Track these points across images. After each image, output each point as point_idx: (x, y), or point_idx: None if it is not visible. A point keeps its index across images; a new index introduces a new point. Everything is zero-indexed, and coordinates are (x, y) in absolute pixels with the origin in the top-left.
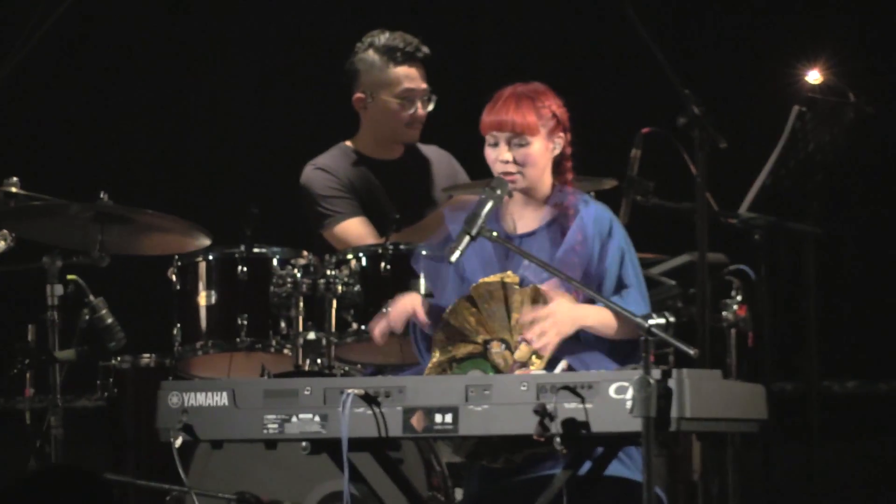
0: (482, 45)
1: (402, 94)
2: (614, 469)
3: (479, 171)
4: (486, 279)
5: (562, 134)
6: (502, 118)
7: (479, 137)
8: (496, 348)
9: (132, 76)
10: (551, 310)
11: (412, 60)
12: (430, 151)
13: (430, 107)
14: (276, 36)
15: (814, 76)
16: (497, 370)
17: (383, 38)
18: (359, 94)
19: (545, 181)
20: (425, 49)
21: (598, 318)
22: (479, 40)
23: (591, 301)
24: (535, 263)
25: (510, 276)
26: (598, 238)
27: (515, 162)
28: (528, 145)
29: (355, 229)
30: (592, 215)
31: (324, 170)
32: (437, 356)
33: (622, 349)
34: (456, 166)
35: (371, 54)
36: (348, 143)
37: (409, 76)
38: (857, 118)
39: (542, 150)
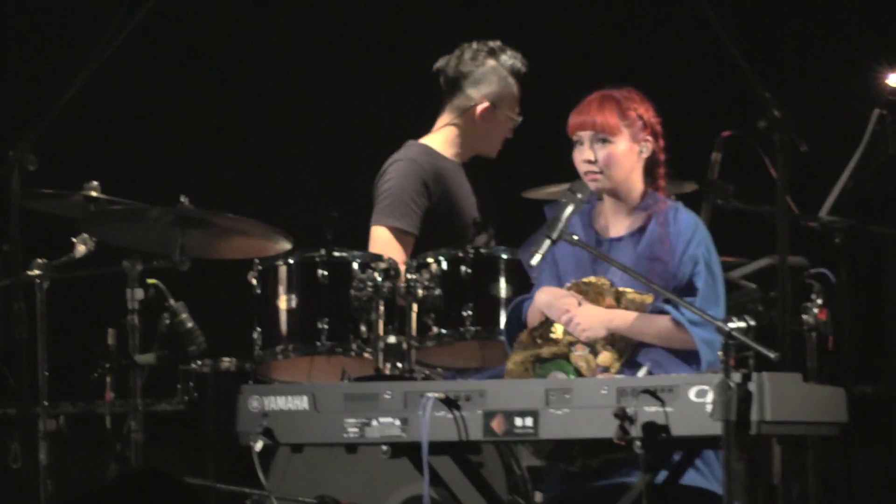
0: (558, 50)
1: (517, 114)
2: (691, 478)
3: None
4: (579, 281)
5: (650, 138)
6: (584, 118)
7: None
8: (580, 351)
9: (214, 79)
10: (575, 312)
11: (523, 80)
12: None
13: None
14: (358, 37)
15: (894, 79)
16: (579, 373)
17: (508, 52)
18: (486, 104)
19: (633, 185)
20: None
21: (635, 324)
22: (557, 46)
23: (667, 302)
24: (615, 267)
25: (600, 279)
26: (682, 243)
27: (598, 161)
28: (611, 145)
29: (380, 237)
30: (681, 221)
31: (410, 160)
32: (520, 352)
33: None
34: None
35: (499, 67)
36: (422, 141)
37: (519, 98)
38: None
39: (627, 151)
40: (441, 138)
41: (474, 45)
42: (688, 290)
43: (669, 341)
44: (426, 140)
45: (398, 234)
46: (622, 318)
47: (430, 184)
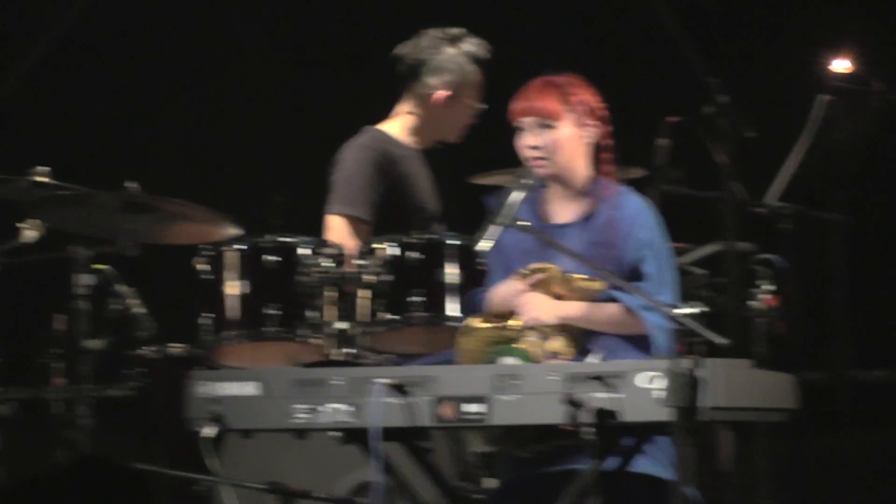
0: (503, 37)
1: (478, 101)
2: (643, 466)
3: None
4: (526, 268)
5: (594, 122)
6: (526, 104)
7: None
8: (531, 337)
9: (159, 65)
10: (529, 297)
11: (484, 66)
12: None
13: None
14: (303, 22)
15: (840, 65)
16: (530, 359)
17: (468, 40)
18: (444, 92)
19: (578, 170)
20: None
21: (585, 313)
22: (501, 32)
23: (618, 290)
24: (565, 254)
25: (549, 266)
26: (632, 228)
27: (542, 147)
28: (554, 130)
29: (335, 226)
30: (630, 205)
31: (364, 147)
32: (467, 336)
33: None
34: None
35: (459, 55)
36: (379, 128)
37: (483, 85)
38: (882, 106)
39: (571, 136)
40: (399, 125)
41: (434, 32)
42: (635, 274)
43: (622, 327)
44: (383, 126)
45: (352, 221)
46: (572, 308)
47: (384, 170)
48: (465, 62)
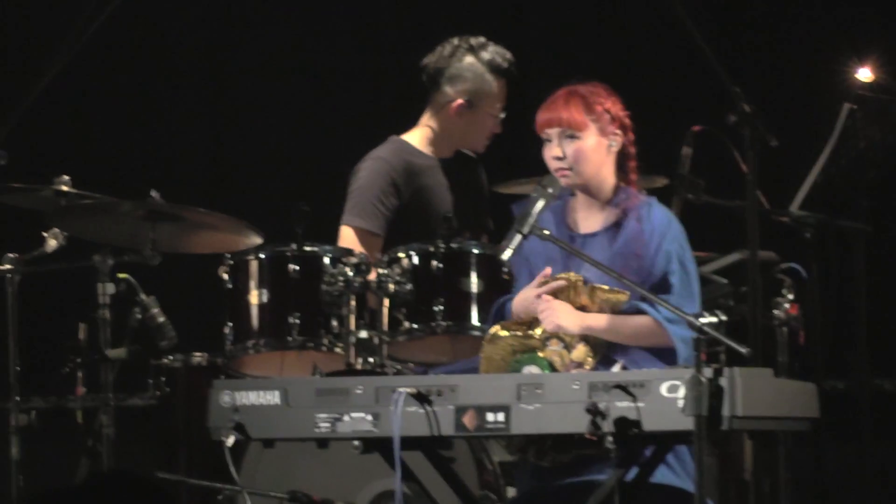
0: (528, 46)
1: (499, 109)
2: (663, 476)
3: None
4: (550, 277)
5: (618, 131)
6: (551, 115)
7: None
8: (554, 346)
9: (183, 73)
10: (554, 305)
11: (507, 76)
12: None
13: None
14: (330, 32)
15: (864, 74)
16: (553, 368)
17: (489, 49)
18: (460, 101)
19: (604, 180)
20: (515, 68)
21: (610, 324)
22: (525, 40)
23: (643, 300)
24: (589, 263)
25: (573, 275)
26: (657, 240)
27: (567, 158)
28: (579, 140)
29: (346, 236)
30: (655, 218)
31: (382, 159)
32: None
33: (673, 351)
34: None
35: (476, 63)
36: (403, 137)
37: (504, 92)
38: None
39: (595, 146)
40: (420, 135)
41: (455, 41)
42: (662, 286)
43: (647, 340)
44: (407, 136)
45: (363, 234)
46: (597, 320)
47: (401, 182)
48: (483, 71)
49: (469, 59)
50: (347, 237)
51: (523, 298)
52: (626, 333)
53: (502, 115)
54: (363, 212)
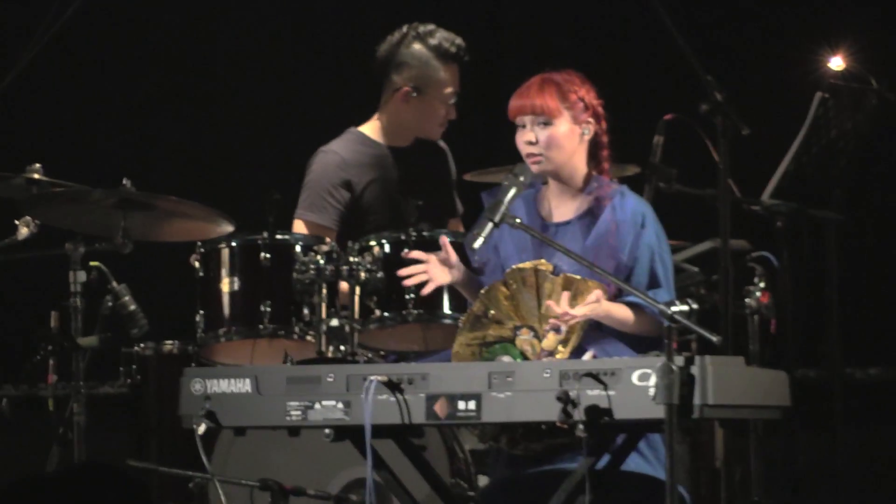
0: (502, 34)
1: (447, 95)
2: (635, 464)
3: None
4: (521, 265)
5: (591, 119)
6: (524, 101)
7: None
8: (524, 335)
9: (154, 61)
10: (597, 297)
11: (457, 61)
12: (443, 144)
13: None
14: (300, 19)
15: (836, 63)
16: (525, 357)
17: (436, 35)
18: (405, 88)
19: (576, 168)
20: (466, 52)
21: (621, 316)
22: (500, 27)
23: (620, 291)
24: (562, 252)
25: (543, 264)
26: (632, 230)
27: (539, 143)
28: (552, 127)
29: (298, 230)
30: (628, 207)
31: (333, 152)
32: (465, 334)
33: (645, 339)
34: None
35: (422, 50)
36: (359, 129)
37: (455, 77)
38: (879, 105)
39: (568, 133)
40: (374, 125)
41: (404, 28)
42: (651, 281)
43: (635, 326)
44: (363, 127)
45: (315, 227)
46: (617, 311)
47: (353, 174)
48: (429, 57)
49: (416, 46)
50: (300, 230)
51: None
52: (631, 320)
53: (452, 101)
54: (314, 205)
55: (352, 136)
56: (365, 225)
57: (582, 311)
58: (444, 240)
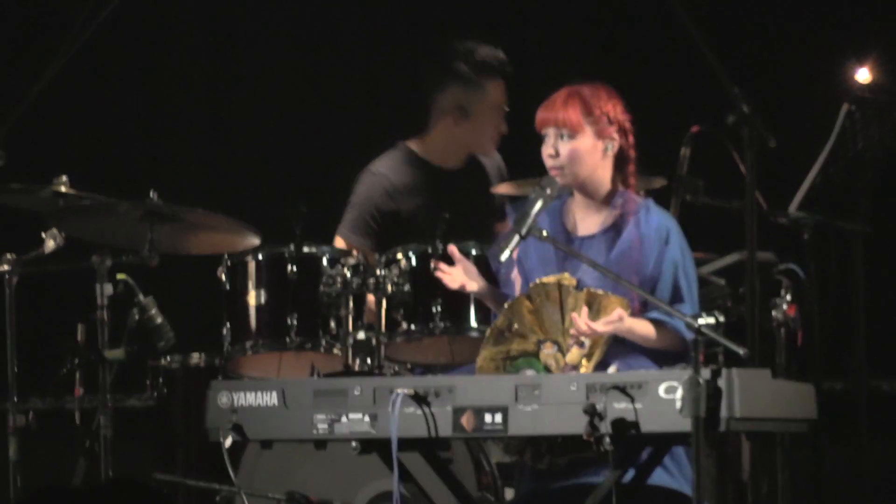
0: (529, 46)
1: (498, 110)
2: (660, 478)
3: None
4: (545, 279)
5: (616, 135)
6: (548, 114)
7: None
8: (548, 349)
9: (181, 74)
10: (621, 313)
11: (502, 75)
12: (489, 159)
13: None
14: (327, 34)
15: (863, 74)
16: (549, 371)
17: (478, 52)
18: (454, 110)
19: (599, 182)
20: (509, 65)
21: (644, 331)
22: (527, 40)
23: (645, 304)
24: (587, 265)
25: (567, 279)
26: (657, 245)
27: (560, 157)
28: (574, 141)
29: (339, 246)
30: (653, 222)
31: (381, 175)
32: (489, 348)
33: (668, 354)
34: (502, 166)
35: (467, 68)
36: (411, 145)
37: (500, 92)
38: None
39: (590, 148)
40: (426, 144)
41: (446, 49)
42: (675, 296)
43: (659, 342)
44: (414, 144)
45: (358, 248)
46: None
47: (400, 201)
48: (474, 76)
49: (459, 65)
50: (340, 247)
51: None
52: (641, 334)
53: (502, 116)
54: (357, 227)
55: (401, 153)
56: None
57: (604, 327)
58: (452, 249)
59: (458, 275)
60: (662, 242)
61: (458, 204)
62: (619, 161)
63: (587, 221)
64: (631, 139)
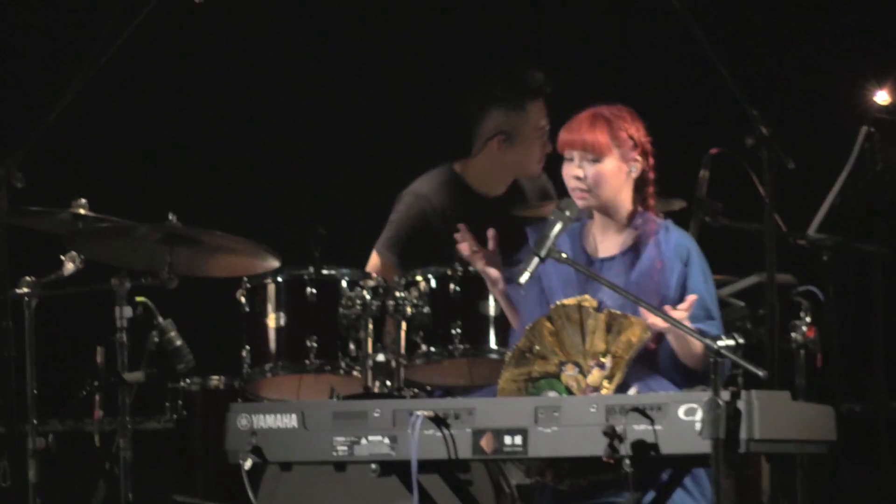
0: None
1: (541, 132)
2: (681, 500)
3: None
4: (565, 301)
5: (639, 157)
6: (575, 136)
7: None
8: (569, 371)
9: (201, 97)
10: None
11: (542, 95)
12: (528, 182)
13: None
14: (348, 57)
15: (882, 97)
16: (570, 393)
17: (517, 75)
18: (499, 137)
19: (622, 204)
20: (548, 83)
21: (691, 339)
22: (547, 61)
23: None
24: (607, 287)
25: (588, 300)
26: (677, 266)
27: (586, 179)
28: (600, 164)
29: (374, 263)
30: (673, 242)
31: (425, 198)
32: (511, 370)
33: (689, 375)
34: (547, 185)
35: (508, 92)
36: (456, 168)
37: (541, 112)
38: None
39: (615, 170)
40: (471, 169)
41: (493, 73)
42: (706, 311)
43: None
44: (461, 167)
45: (389, 267)
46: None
47: (438, 223)
48: (514, 99)
49: (501, 89)
50: (374, 263)
51: None
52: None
53: (546, 136)
54: (395, 246)
55: (446, 176)
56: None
57: (679, 314)
58: (491, 232)
59: (475, 245)
60: (682, 263)
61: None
62: (640, 183)
63: (607, 243)
64: (651, 161)
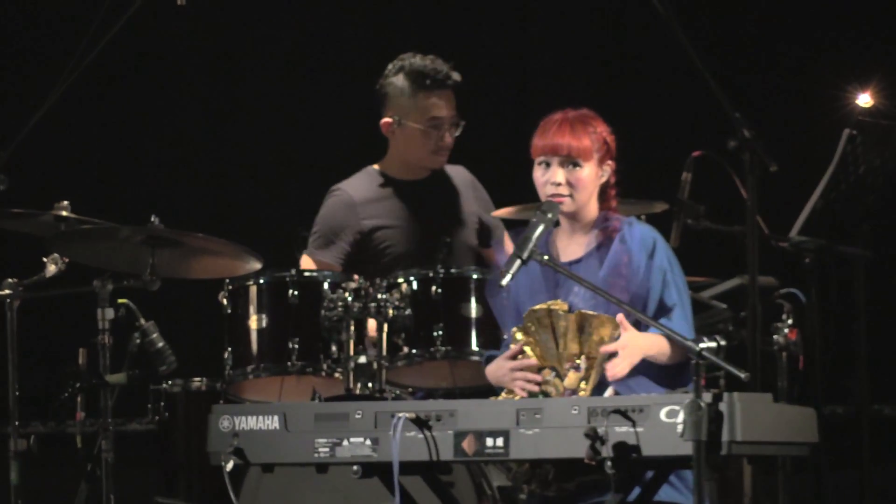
0: (528, 68)
1: (429, 122)
2: (665, 494)
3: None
4: (535, 307)
5: (610, 161)
6: (558, 141)
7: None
8: (547, 376)
9: (182, 99)
10: (624, 342)
11: (441, 87)
12: (456, 172)
13: (457, 133)
14: (330, 59)
15: (864, 99)
16: (548, 398)
17: (414, 62)
18: (386, 119)
19: (591, 208)
20: (456, 76)
21: (659, 346)
22: (525, 62)
23: (638, 322)
24: (584, 286)
25: (557, 304)
26: (643, 257)
27: (568, 184)
28: (580, 169)
29: (306, 265)
30: (637, 235)
31: (342, 191)
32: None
33: (669, 374)
34: (480, 189)
35: (401, 79)
36: (375, 165)
37: (436, 104)
38: None
39: (593, 175)
40: (387, 161)
41: (396, 61)
42: (661, 309)
43: (681, 354)
44: (379, 163)
45: (321, 266)
46: (657, 344)
47: (362, 213)
48: (405, 86)
49: (396, 77)
50: (306, 265)
51: (497, 368)
52: (668, 350)
53: (443, 128)
54: (322, 245)
55: (365, 173)
56: (383, 258)
57: (623, 370)
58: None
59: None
60: (648, 254)
61: (426, 210)
62: (605, 185)
63: (572, 247)
64: (614, 164)
